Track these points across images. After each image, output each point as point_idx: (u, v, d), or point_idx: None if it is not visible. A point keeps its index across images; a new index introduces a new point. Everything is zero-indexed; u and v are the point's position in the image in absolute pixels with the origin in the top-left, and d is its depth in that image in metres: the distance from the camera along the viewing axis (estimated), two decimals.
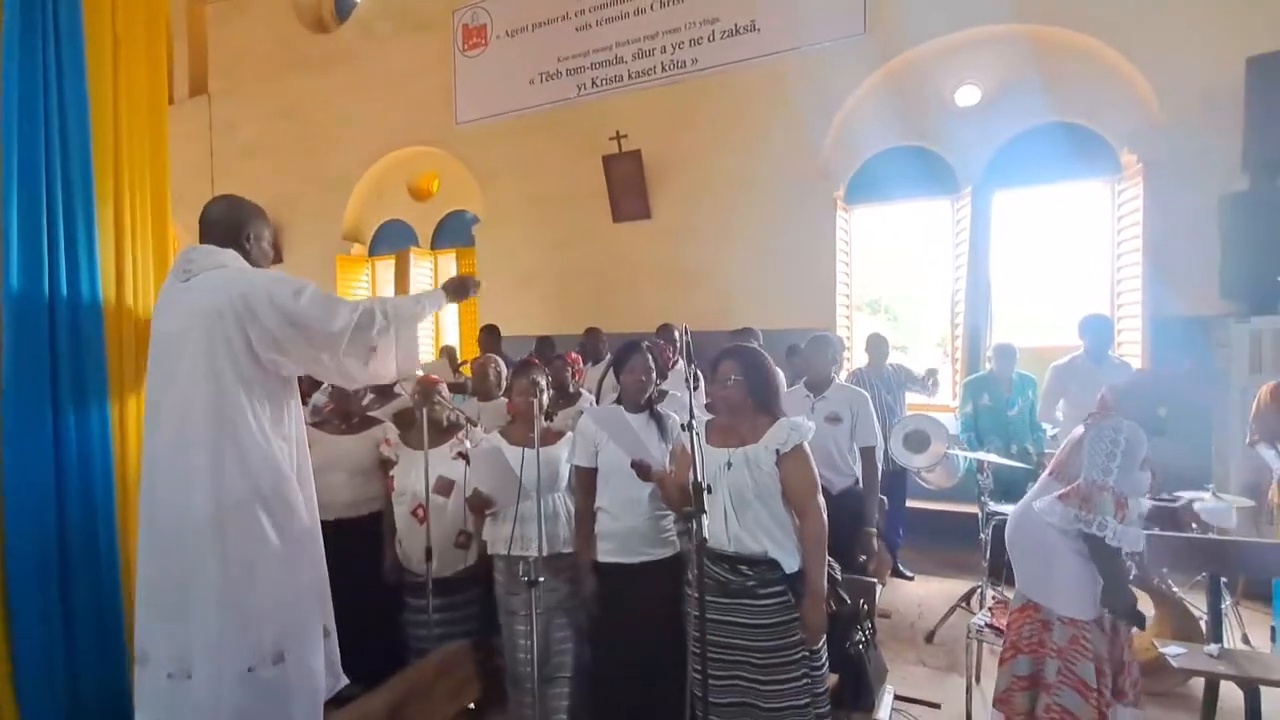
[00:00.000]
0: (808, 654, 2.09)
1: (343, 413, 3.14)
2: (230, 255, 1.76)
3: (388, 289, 7.62)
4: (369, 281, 7.86)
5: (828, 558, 2.13)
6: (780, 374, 2.25)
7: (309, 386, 4.41)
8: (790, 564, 2.01)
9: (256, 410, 1.71)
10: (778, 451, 2.02)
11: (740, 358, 2.18)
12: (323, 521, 2.85)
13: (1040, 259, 5.08)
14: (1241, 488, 3.59)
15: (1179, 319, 4.36)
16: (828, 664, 2.20)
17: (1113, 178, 4.82)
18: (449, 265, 7.33)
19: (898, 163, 5.35)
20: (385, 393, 4.02)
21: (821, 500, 2.08)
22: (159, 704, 1.67)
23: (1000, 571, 3.71)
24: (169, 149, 2.24)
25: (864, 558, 2.85)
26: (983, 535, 3.51)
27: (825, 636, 2.16)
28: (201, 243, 1.79)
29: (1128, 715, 2.33)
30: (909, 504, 4.71)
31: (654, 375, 2.52)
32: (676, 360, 3.83)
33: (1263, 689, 2.37)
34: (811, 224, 5.44)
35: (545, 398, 2.56)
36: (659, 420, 2.48)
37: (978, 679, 3.08)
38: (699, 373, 2.05)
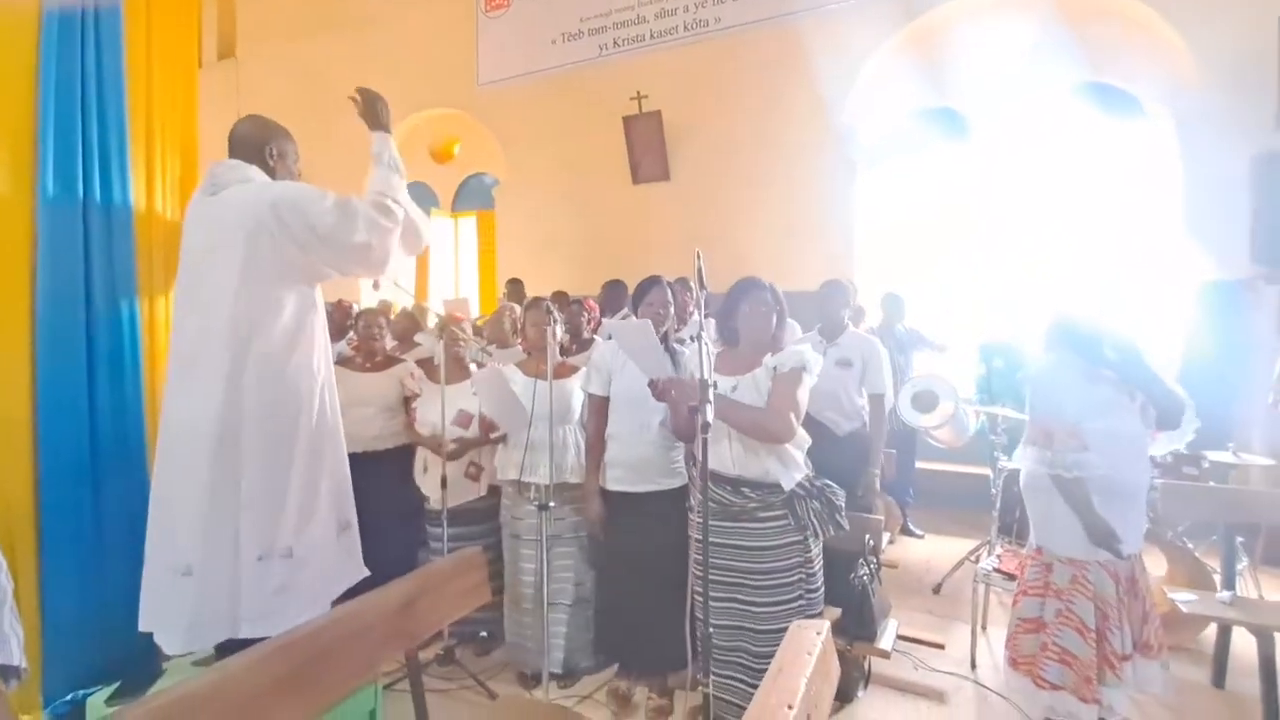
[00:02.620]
0: (804, 576, 2.13)
1: (367, 351, 3.23)
2: (255, 170, 1.83)
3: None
4: None
5: (829, 483, 2.16)
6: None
7: (333, 334, 4.54)
8: (788, 482, 2.04)
9: (282, 317, 1.78)
10: (775, 369, 2.04)
11: (772, 290, 2.23)
12: (350, 454, 3.00)
13: (1066, 223, 4.97)
14: (1265, 449, 3.54)
15: (1210, 282, 4.27)
16: (822, 591, 2.24)
17: (1145, 138, 4.70)
18: (469, 227, 7.39)
19: (919, 124, 5.26)
20: (406, 340, 4.12)
21: (796, 425, 2.04)
22: (157, 603, 1.75)
23: (1011, 527, 3.72)
24: (199, 111, 2.32)
25: (862, 495, 2.89)
26: (994, 490, 3.51)
27: (821, 563, 2.20)
28: (229, 159, 1.86)
29: (1152, 669, 2.33)
30: (920, 464, 4.71)
31: (671, 310, 2.56)
32: (694, 312, 3.85)
33: (1278, 636, 2.37)
34: (831, 185, 5.39)
35: (559, 330, 2.61)
36: (673, 355, 2.52)
37: (984, 625, 3.11)
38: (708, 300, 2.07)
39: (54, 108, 1.81)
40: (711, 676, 1.53)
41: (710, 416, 1.44)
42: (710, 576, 2.16)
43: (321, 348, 1.93)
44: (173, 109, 2.13)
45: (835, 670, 1.43)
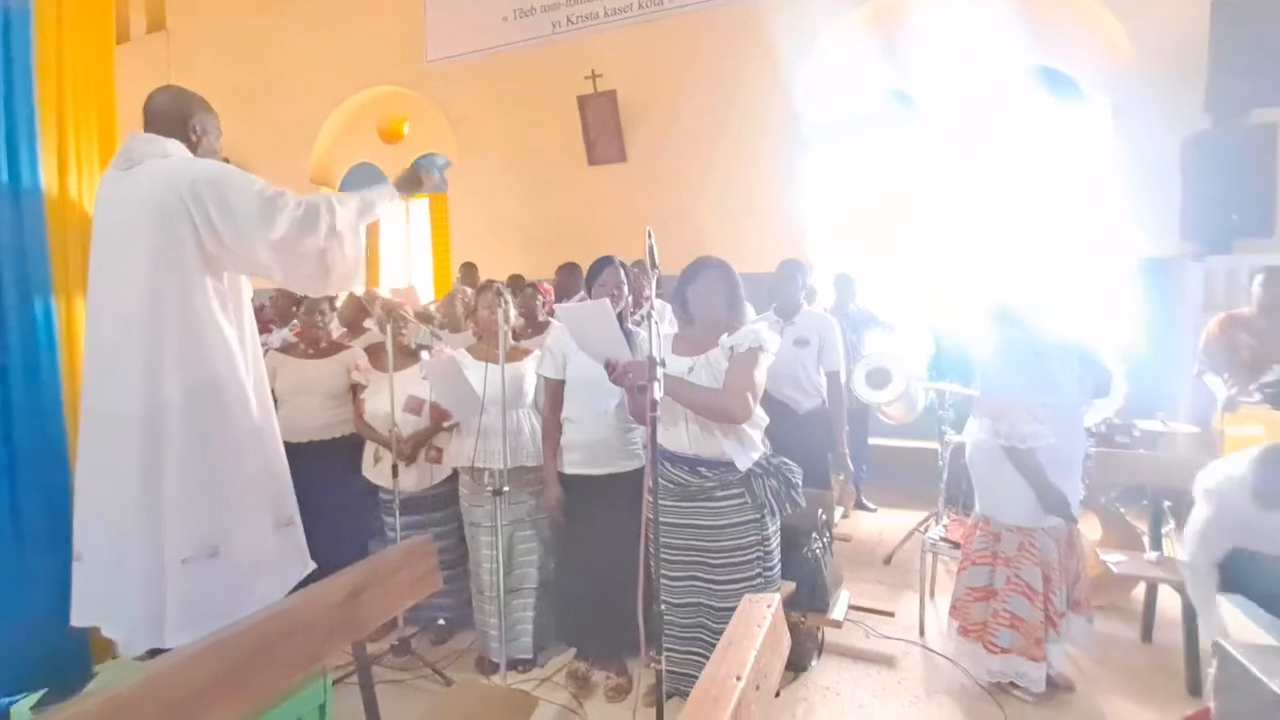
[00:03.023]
0: (761, 554, 2.16)
1: (310, 338, 3.12)
2: (174, 145, 1.71)
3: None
4: None
5: (785, 461, 2.19)
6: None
7: (279, 321, 4.37)
8: (744, 462, 2.06)
9: (204, 302, 1.69)
10: (732, 349, 2.05)
11: (720, 269, 2.22)
12: (296, 444, 2.90)
13: (1013, 203, 5.12)
14: (1191, 417, 3.73)
15: (1145, 259, 4.46)
16: (780, 567, 2.28)
17: (1086, 121, 4.86)
18: (421, 210, 7.20)
19: (873, 104, 5.32)
20: (355, 327, 4.00)
21: (752, 405, 2.04)
22: (94, 598, 1.68)
23: (958, 499, 3.85)
24: (124, 88, 2.16)
25: (842, 476, 2.94)
26: (941, 463, 3.62)
27: (778, 540, 2.23)
28: (145, 132, 1.74)
29: (1080, 624, 2.46)
30: (872, 440, 4.82)
31: (625, 290, 2.53)
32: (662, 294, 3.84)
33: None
34: (787, 165, 5.42)
35: (511, 312, 2.56)
36: (629, 337, 2.50)
37: (932, 593, 3.22)
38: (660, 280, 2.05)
39: None
40: (666, 653, 1.54)
41: (658, 394, 1.43)
42: (669, 556, 2.19)
43: (249, 337, 1.83)
44: (87, 88, 1.98)
45: (785, 642, 1.45)
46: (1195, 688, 2.42)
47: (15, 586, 1.81)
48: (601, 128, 5.85)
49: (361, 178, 7.48)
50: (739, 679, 1.15)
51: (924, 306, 5.09)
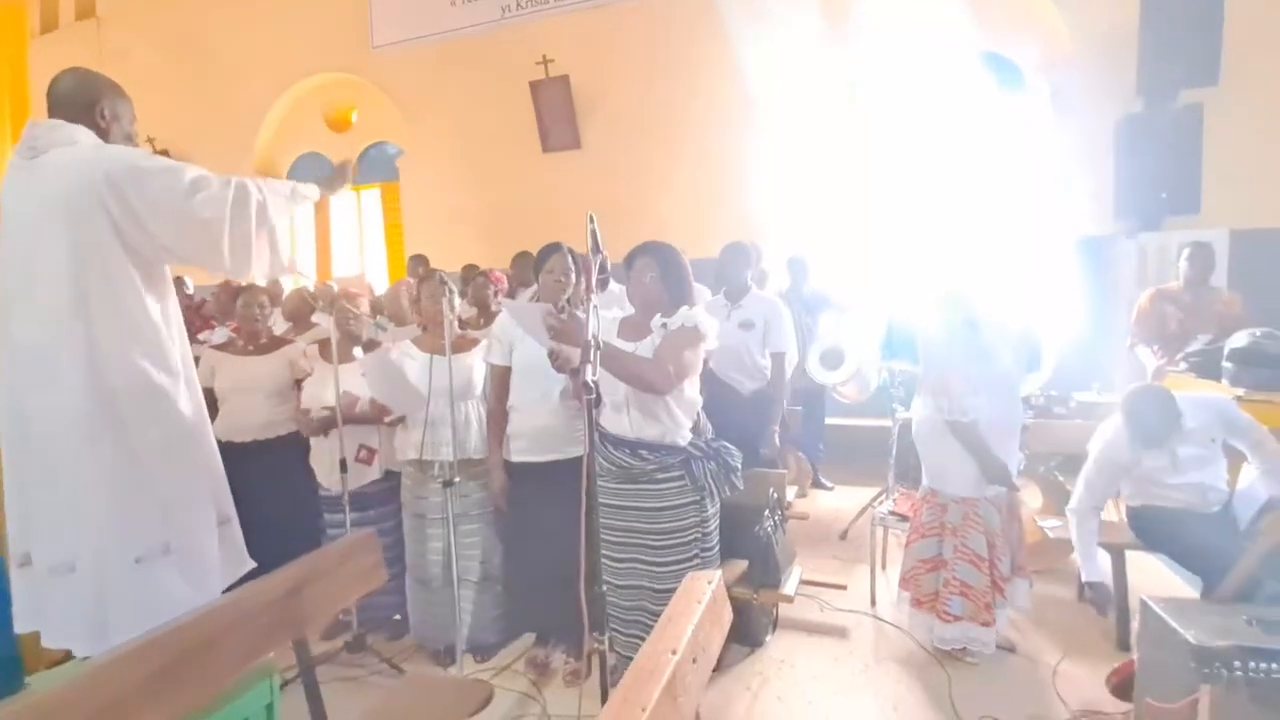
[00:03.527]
0: (699, 535, 2.18)
1: (249, 333, 3.03)
2: (82, 131, 1.62)
3: (305, 228, 7.27)
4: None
5: (726, 445, 2.22)
6: (689, 268, 2.28)
7: (221, 317, 4.23)
8: (681, 439, 2.08)
9: (132, 296, 1.62)
10: (665, 326, 2.06)
11: (655, 253, 2.20)
12: (237, 443, 2.83)
13: (954, 186, 5.24)
14: (1124, 388, 3.90)
15: (1082, 238, 4.63)
16: (718, 549, 2.31)
17: (1025, 105, 5.00)
18: (373, 200, 7.04)
19: (826, 89, 5.37)
20: (301, 322, 3.90)
21: (676, 381, 2.02)
22: (41, 603, 1.63)
23: (908, 474, 3.96)
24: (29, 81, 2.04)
25: (764, 450, 2.99)
26: (892, 440, 3.71)
27: (716, 523, 2.27)
28: (50, 118, 1.65)
29: (1022, 587, 2.58)
30: (829, 421, 4.92)
31: (573, 277, 2.53)
32: (608, 279, 3.83)
33: (1127, 553, 2.65)
34: (741, 150, 5.44)
35: (458, 302, 2.54)
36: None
37: (884, 565, 3.31)
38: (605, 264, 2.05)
39: None
40: (611, 634, 1.55)
41: (591, 377, 1.44)
42: (611, 538, 2.20)
43: (175, 330, 1.77)
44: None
45: (726, 616, 1.49)
46: (1124, 643, 2.55)
47: None
48: (555, 114, 5.79)
49: (309, 167, 7.27)
50: (674, 653, 1.18)
51: (876, 288, 5.20)
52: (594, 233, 1.94)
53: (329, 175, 2.07)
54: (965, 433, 2.41)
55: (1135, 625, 2.13)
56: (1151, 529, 2.55)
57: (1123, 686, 2.10)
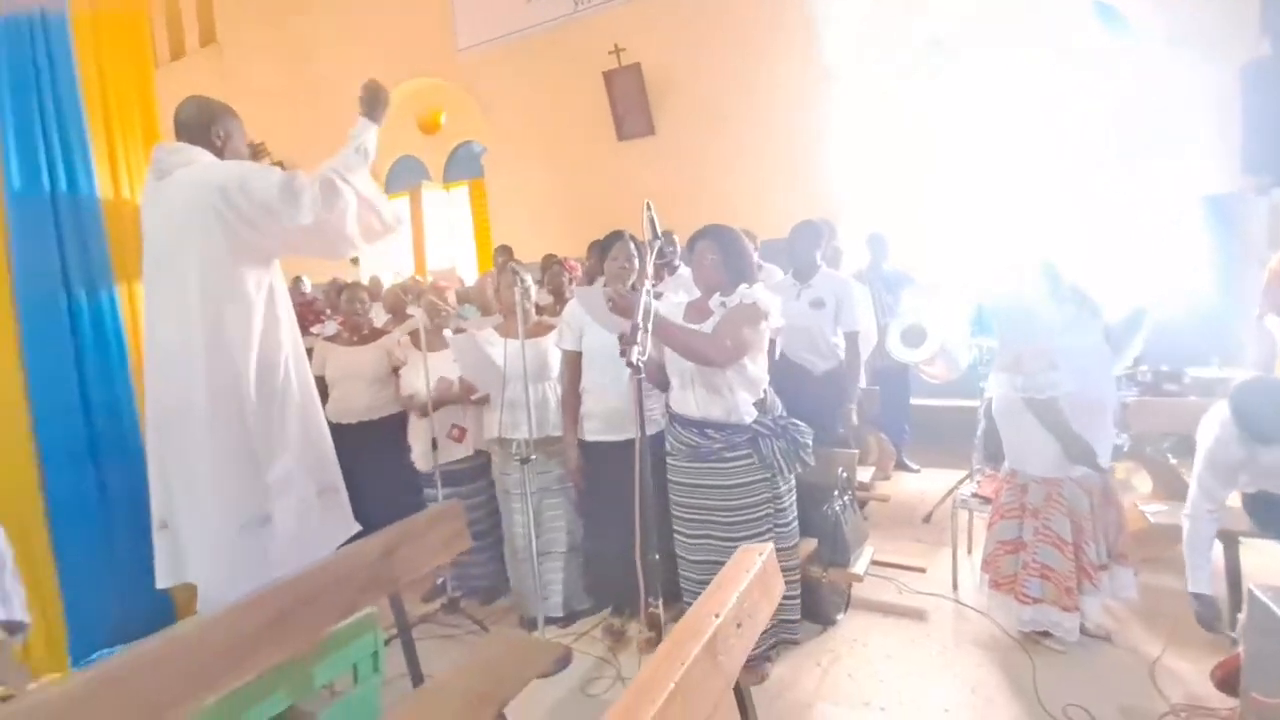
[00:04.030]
0: (772, 512, 2.22)
1: (352, 326, 3.33)
2: (199, 152, 1.87)
3: (404, 228, 7.75)
4: None
5: (796, 422, 2.23)
6: (752, 249, 2.30)
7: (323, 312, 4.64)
8: (746, 417, 2.11)
9: (245, 291, 1.86)
10: (724, 304, 2.09)
11: (715, 236, 2.24)
12: (345, 424, 3.14)
13: (1049, 145, 4.86)
14: (1253, 361, 3.53)
15: (1204, 196, 4.18)
16: (796, 524, 2.34)
17: (1134, 55, 4.54)
18: (462, 197, 7.41)
19: (907, 57, 5.11)
20: (400, 314, 4.21)
21: (733, 354, 2.06)
22: (174, 563, 1.91)
23: (995, 455, 3.77)
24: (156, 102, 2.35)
25: (841, 430, 2.95)
26: (980, 419, 3.55)
27: (793, 499, 2.29)
28: (174, 142, 1.91)
29: (1124, 576, 2.43)
30: (916, 401, 4.75)
31: (636, 262, 2.61)
32: (678, 266, 3.89)
33: (1242, 541, 2.43)
34: (818, 126, 5.30)
35: (532, 290, 2.68)
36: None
37: (969, 550, 3.20)
38: (664, 249, 2.11)
39: (10, 108, 1.89)
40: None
41: (638, 357, 1.51)
42: (683, 514, 2.28)
43: (286, 323, 2.00)
44: (130, 99, 2.19)
45: (777, 588, 1.53)
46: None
47: (102, 550, 2.07)
48: (628, 103, 5.86)
49: (405, 170, 7.75)
50: (717, 616, 1.24)
51: (964, 262, 4.93)
52: (651, 219, 2.01)
53: (366, 100, 2.15)
54: (1043, 410, 2.29)
55: (1241, 616, 1.96)
56: (1270, 516, 2.32)
57: (1228, 680, 1.95)
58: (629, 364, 1.50)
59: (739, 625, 1.30)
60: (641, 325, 1.54)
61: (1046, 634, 2.42)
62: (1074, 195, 4.66)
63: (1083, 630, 2.40)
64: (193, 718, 1.58)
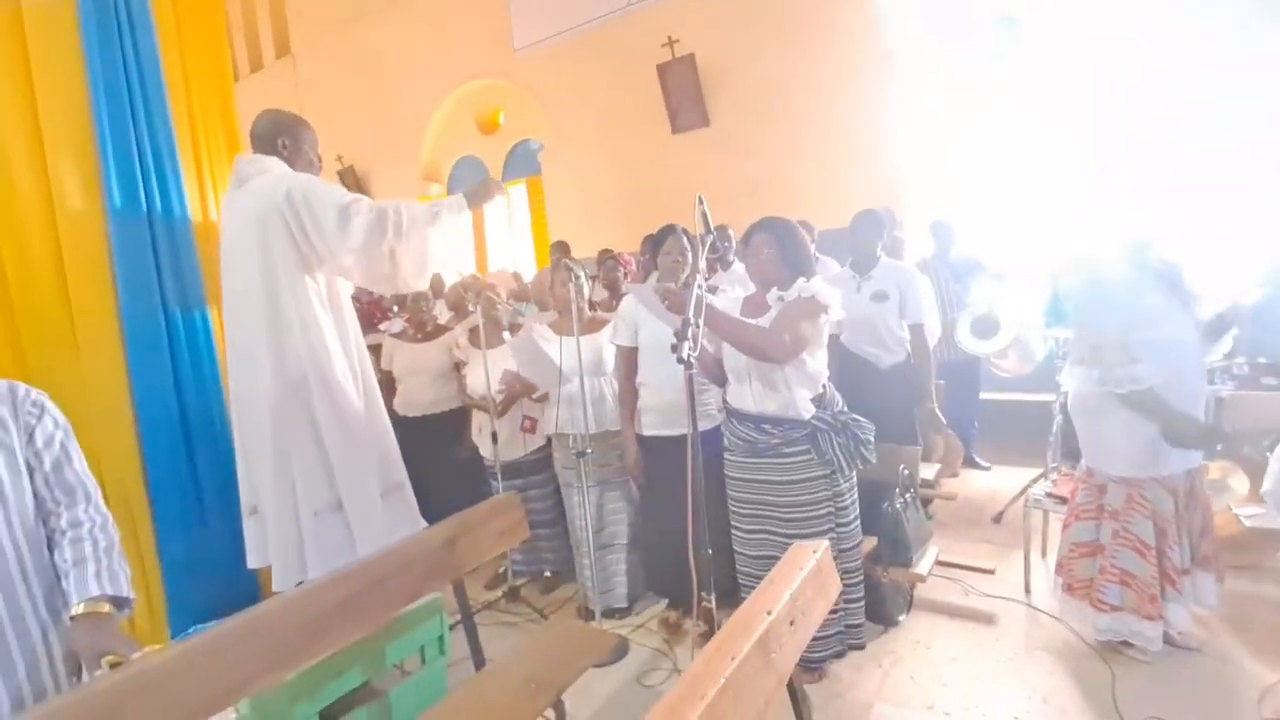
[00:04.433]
0: (833, 510, 2.18)
1: (417, 323, 3.47)
2: (273, 162, 1.99)
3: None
4: None
5: (857, 418, 2.18)
6: (807, 242, 2.26)
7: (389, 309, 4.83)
8: (804, 413, 2.08)
9: (306, 300, 1.98)
10: (781, 298, 2.06)
11: (771, 229, 2.21)
12: (410, 417, 3.28)
13: (1139, 127, 4.53)
14: None
15: None
16: (858, 523, 2.29)
17: (1229, 23, 4.17)
18: (520, 195, 7.55)
19: (972, 36, 4.86)
20: (462, 311, 4.35)
21: (793, 349, 2.03)
22: (260, 544, 2.04)
23: (1073, 453, 3.57)
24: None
25: (929, 430, 2.86)
26: (1056, 415, 3.38)
27: (855, 497, 2.24)
28: (252, 154, 2.04)
29: (1207, 582, 2.27)
30: (986, 395, 4.55)
31: (689, 256, 2.60)
32: (733, 261, 3.86)
33: None
34: (878, 112, 5.12)
35: (586, 286, 2.71)
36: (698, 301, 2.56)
37: (1044, 552, 3.06)
38: (716, 244, 2.10)
39: (109, 130, 2.06)
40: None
41: (688, 353, 1.51)
42: (741, 510, 2.27)
43: (349, 325, 2.11)
44: (213, 121, 2.36)
45: (832, 586, 1.51)
46: None
47: (197, 533, 2.25)
48: (682, 95, 5.83)
49: (466, 170, 7.96)
50: (769, 613, 1.24)
51: (1040, 247, 4.67)
52: (704, 214, 2.00)
53: (475, 186, 2.27)
54: (1141, 402, 2.13)
55: None
56: None
57: None
58: (679, 359, 1.51)
59: (792, 623, 1.29)
60: (693, 321, 1.54)
61: (1128, 643, 2.29)
62: (1164, 172, 4.34)
63: (1168, 640, 2.26)
64: (277, 689, 1.70)
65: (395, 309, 4.81)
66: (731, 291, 2.65)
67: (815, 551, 1.49)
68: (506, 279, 4.74)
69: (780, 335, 1.98)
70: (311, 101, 8.81)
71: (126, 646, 1.32)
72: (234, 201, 1.99)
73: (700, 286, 1.68)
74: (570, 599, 3.06)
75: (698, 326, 1.55)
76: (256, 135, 2.05)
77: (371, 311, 4.18)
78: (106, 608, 1.34)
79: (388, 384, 3.42)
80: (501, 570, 3.18)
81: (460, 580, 1.89)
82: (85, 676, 1.30)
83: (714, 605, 1.57)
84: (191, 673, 1.31)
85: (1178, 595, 2.23)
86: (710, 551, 1.64)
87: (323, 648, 1.57)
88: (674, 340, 2.05)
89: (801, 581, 1.37)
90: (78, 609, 1.30)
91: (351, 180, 8.49)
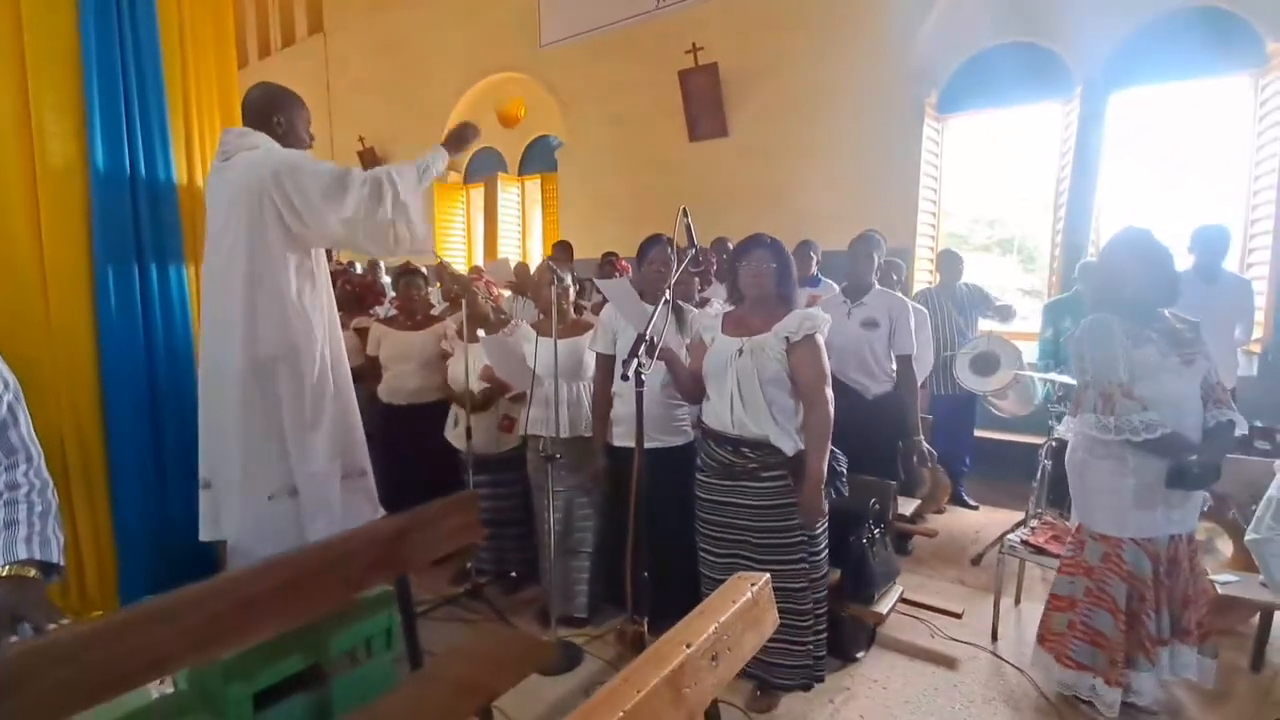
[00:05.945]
0: (806, 539, 2.14)
1: (408, 310, 3.46)
2: (261, 137, 1.98)
3: (478, 216, 8.01)
4: (464, 209, 8.28)
5: (833, 449, 2.14)
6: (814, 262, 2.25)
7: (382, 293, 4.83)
8: (789, 447, 2.05)
9: (286, 275, 1.97)
10: (788, 339, 2.03)
11: (772, 248, 2.19)
12: (396, 405, 3.26)
13: (1163, 168, 4.44)
14: None
15: None
16: (827, 553, 2.25)
17: (1256, 71, 4.09)
18: (534, 190, 7.56)
19: (1000, 63, 4.80)
20: (456, 302, 4.35)
21: (830, 393, 2.08)
22: (213, 517, 2.04)
23: (1065, 501, 3.50)
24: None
25: (918, 464, 2.82)
26: (1043, 461, 3.31)
27: (826, 526, 2.21)
28: (241, 126, 2.04)
29: (1190, 656, 2.19)
30: (981, 433, 4.47)
31: (674, 267, 2.57)
32: (707, 272, 3.81)
33: None
34: (899, 135, 5.07)
35: (572, 289, 2.69)
36: (678, 312, 2.54)
37: (1017, 599, 3.00)
38: (699, 257, 2.07)
39: (98, 88, 2.05)
40: None
41: (634, 371, 1.48)
42: (710, 532, 2.23)
43: (325, 309, 2.10)
44: (209, 87, 2.36)
45: (768, 621, 1.47)
46: None
47: (155, 502, 2.25)
48: (703, 103, 5.80)
49: (484, 161, 7.98)
50: (689, 646, 1.20)
51: (1049, 286, 4.59)
52: (687, 226, 1.97)
53: (451, 132, 2.26)
54: (1160, 447, 2.03)
55: None
56: None
57: None
58: (624, 376, 1.48)
59: (714, 658, 1.25)
60: (648, 338, 1.51)
61: (1089, 702, 2.22)
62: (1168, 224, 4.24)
63: (1129, 704, 2.19)
64: (210, 668, 1.70)
65: (392, 294, 4.82)
66: (710, 308, 2.62)
67: (754, 584, 1.45)
68: (506, 270, 4.72)
69: (822, 390, 2.04)
70: (339, 79, 8.88)
71: (46, 613, 1.32)
72: (219, 177, 1.98)
73: (666, 302, 1.65)
74: (535, 601, 3.03)
75: (653, 344, 1.52)
76: (248, 108, 2.03)
77: (364, 295, 4.18)
78: (33, 572, 1.33)
79: (373, 370, 3.42)
80: (468, 565, 3.16)
81: (405, 575, 1.87)
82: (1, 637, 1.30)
83: (645, 630, 1.54)
84: (108, 646, 1.30)
85: (1149, 665, 2.16)
86: (646, 575, 1.60)
87: (256, 632, 1.56)
88: (626, 356, 2.06)
89: (732, 614, 1.33)
90: (3, 570, 1.30)
91: (370, 161, 8.54)
